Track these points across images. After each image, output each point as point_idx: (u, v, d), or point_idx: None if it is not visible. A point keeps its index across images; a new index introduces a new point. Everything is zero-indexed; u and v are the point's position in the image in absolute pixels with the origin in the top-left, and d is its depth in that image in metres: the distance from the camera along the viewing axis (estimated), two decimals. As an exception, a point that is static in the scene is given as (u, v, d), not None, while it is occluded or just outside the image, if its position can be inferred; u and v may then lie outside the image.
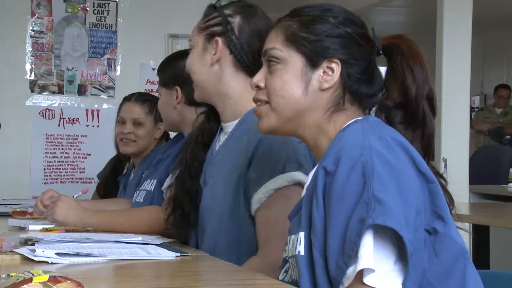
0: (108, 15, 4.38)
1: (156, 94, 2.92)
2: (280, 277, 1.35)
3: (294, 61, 1.30)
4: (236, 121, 1.79)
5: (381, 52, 1.31)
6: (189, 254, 1.66)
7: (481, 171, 5.57)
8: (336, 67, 1.28)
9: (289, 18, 1.33)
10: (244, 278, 1.45)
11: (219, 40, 1.76)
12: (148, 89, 4.36)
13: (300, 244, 1.20)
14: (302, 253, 1.21)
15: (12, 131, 4.03)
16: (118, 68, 4.41)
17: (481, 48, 8.32)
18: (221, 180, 1.76)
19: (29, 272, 1.09)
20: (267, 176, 1.64)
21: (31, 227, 2.06)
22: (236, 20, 1.76)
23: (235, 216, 1.72)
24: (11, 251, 1.56)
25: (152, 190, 2.35)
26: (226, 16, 1.77)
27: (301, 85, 1.29)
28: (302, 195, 1.32)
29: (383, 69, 1.35)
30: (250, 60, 1.75)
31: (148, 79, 4.45)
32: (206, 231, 1.80)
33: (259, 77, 1.35)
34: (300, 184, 1.60)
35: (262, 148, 1.67)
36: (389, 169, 1.13)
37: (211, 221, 1.79)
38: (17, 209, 2.57)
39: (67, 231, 2.00)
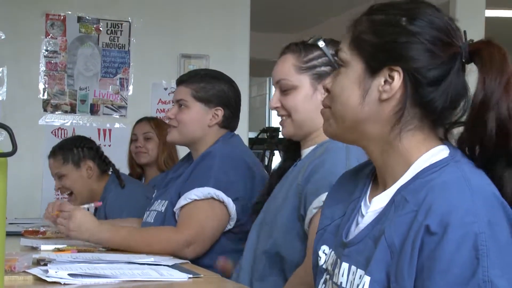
0: (121, 35, 4.42)
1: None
2: None
3: (355, 65, 1.18)
4: (311, 147, 1.84)
5: (463, 60, 1.14)
6: (202, 275, 1.65)
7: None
8: (397, 76, 1.14)
9: (364, 16, 1.20)
10: (257, 301, 1.44)
11: None
12: (160, 109, 4.38)
13: None
14: None
15: (25, 150, 4.04)
16: (131, 87, 4.43)
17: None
18: (281, 196, 1.80)
19: (42, 293, 1.08)
20: (324, 189, 1.66)
21: (43, 247, 2.06)
22: None
23: (288, 230, 1.74)
24: (24, 271, 1.56)
25: (163, 211, 2.33)
26: (333, 56, 1.79)
27: (358, 93, 1.17)
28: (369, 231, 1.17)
29: None
30: None
31: (160, 99, 4.46)
32: (258, 245, 1.82)
33: (329, 80, 1.25)
34: None
35: (320, 165, 1.72)
36: (499, 245, 1.04)
37: (263, 233, 1.81)
38: (29, 229, 2.57)
39: (79, 251, 2.00)
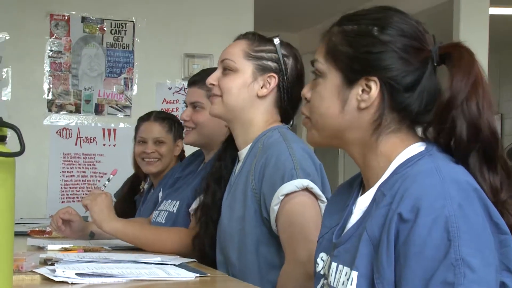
0: (125, 35, 4.42)
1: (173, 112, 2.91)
2: None
3: (333, 77, 1.22)
4: (247, 147, 1.85)
5: (435, 63, 1.18)
6: (208, 274, 1.66)
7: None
8: (374, 85, 1.18)
9: (337, 27, 1.24)
10: (264, 300, 1.45)
11: None
12: (164, 108, 4.38)
13: (351, 284, 1.14)
14: None
15: (30, 150, 4.03)
16: (135, 87, 4.44)
17: (498, 68, 8.29)
18: (238, 207, 1.80)
19: (51, 293, 1.09)
20: (278, 183, 1.70)
21: (50, 247, 2.06)
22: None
23: (256, 237, 1.76)
24: (31, 271, 1.57)
25: (174, 211, 2.31)
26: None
27: (338, 104, 1.21)
28: (352, 226, 1.22)
29: None
30: None
31: (165, 98, 4.47)
32: (231, 259, 1.82)
33: (307, 89, 1.28)
34: (308, 190, 1.69)
35: (267, 163, 1.73)
36: (471, 227, 1.06)
37: (232, 248, 1.82)
38: (35, 229, 2.58)
39: (85, 251, 2.00)
